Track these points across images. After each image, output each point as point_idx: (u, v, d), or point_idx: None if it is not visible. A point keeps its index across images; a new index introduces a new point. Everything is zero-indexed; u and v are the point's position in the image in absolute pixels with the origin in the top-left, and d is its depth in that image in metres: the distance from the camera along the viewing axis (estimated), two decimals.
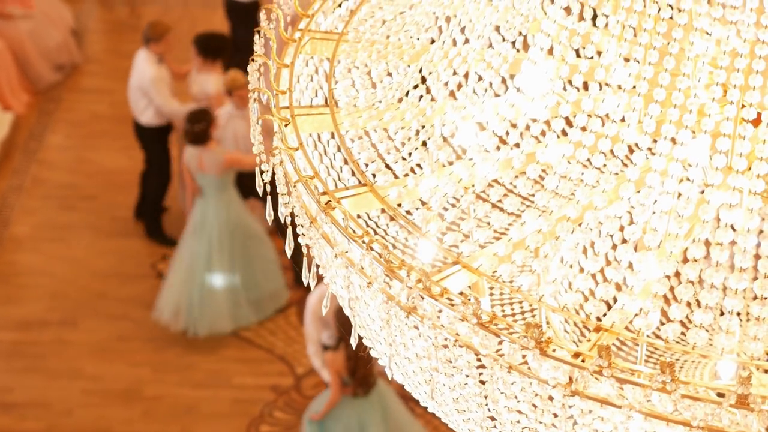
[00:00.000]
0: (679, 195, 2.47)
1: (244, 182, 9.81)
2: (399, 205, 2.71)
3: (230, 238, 9.79)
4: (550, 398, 2.37)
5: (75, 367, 9.61)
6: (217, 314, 9.83)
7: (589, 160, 2.58)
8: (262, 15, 2.93)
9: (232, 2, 12.06)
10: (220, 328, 9.84)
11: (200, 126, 9.54)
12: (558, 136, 2.67)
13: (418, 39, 2.98)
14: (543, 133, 2.69)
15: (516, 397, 2.42)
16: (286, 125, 2.81)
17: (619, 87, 2.58)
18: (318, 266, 2.84)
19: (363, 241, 2.55)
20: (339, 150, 2.84)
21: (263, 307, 10.02)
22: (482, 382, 2.46)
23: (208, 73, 10.43)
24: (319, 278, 2.89)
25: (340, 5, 3.16)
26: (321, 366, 8.38)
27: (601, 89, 2.63)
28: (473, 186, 2.68)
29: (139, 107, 10.44)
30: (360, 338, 2.80)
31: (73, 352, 9.74)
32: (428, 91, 2.87)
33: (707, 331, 2.33)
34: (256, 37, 2.93)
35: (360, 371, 7.98)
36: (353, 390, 8.16)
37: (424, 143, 2.79)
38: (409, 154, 2.78)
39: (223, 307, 9.84)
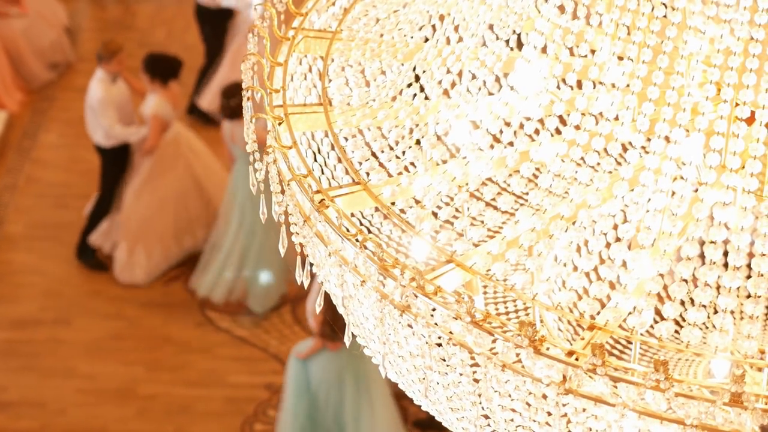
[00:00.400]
0: (673, 193, 2.48)
1: None
2: (392, 203, 2.71)
3: (254, 214, 9.92)
4: (544, 396, 2.37)
5: (69, 366, 9.60)
6: (225, 284, 10.06)
7: (582, 158, 2.58)
8: (255, 13, 2.92)
9: (202, 8, 12.01)
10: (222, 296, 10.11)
11: (235, 101, 9.68)
12: (552, 135, 2.66)
13: (411, 37, 2.98)
14: (537, 132, 2.69)
15: (510, 396, 2.42)
16: (279, 124, 2.81)
17: (613, 85, 2.58)
18: (312, 264, 2.84)
19: (356, 240, 2.54)
20: (332, 148, 2.83)
21: (268, 295, 10.06)
22: (476, 381, 2.46)
23: (153, 93, 10.22)
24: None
25: (333, 3, 3.16)
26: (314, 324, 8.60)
27: (594, 87, 2.63)
28: (467, 184, 2.68)
29: (91, 126, 10.31)
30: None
31: (67, 351, 9.72)
32: (422, 89, 2.86)
33: (701, 329, 2.33)
34: (250, 35, 2.93)
35: (324, 322, 8.14)
36: (323, 335, 8.34)
37: (418, 142, 2.79)
38: (403, 153, 2.78)
39: (231, 280, 10.06)
